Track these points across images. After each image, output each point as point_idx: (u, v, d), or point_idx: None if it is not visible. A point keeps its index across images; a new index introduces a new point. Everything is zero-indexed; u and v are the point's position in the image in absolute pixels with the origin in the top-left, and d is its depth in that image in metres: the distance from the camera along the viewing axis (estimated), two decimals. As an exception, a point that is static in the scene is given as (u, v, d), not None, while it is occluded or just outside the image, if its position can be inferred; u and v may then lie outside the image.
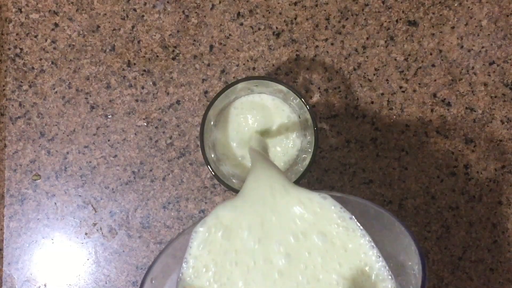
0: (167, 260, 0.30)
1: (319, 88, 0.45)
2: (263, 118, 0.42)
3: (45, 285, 0.46)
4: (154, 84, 0.46)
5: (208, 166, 0.39)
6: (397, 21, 0.45)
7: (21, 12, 0.46)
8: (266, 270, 0.28)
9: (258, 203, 0.29)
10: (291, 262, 0.28)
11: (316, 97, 0.45)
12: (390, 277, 0.27)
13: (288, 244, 0.28)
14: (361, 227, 0.28)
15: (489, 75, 0.45)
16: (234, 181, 0.40)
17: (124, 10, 0.46)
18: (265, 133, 0.42)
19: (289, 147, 0.42)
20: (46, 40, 0.46)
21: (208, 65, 0.45)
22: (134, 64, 0.46)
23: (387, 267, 0.27)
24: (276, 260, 0.28)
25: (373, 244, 0.28)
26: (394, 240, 0.28)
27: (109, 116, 0.46)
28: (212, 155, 0.41)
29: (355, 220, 0.28)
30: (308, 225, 0.28)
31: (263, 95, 0.42)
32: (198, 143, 0.45)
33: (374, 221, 0.29)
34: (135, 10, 0.46)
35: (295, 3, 0.45)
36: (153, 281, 0.29)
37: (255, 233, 0.29)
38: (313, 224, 0.28)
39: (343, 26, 0.45)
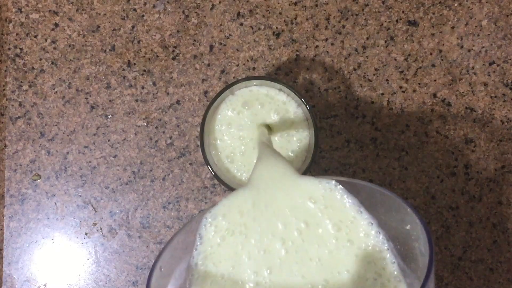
0: (176, 249, 0.31)
1: (319, 88, 0.45)
2: (260, 110, 0.41)
3: (45, 285, 0.46)
4: (154, 84, 0.46)
5: (208, 166, 0.39)
6: (397, 21, 0.45)
7: (21, 12, 0.46)
8: (275, 249, 0.31)
9: (267, 190, 0.31)
10: (299, 241, 0.30)
11: (316, 97, 0.45)
12: (387, 248, 0.30)
13: (296, 225, 0.31)
14: (360, 206, 0.30)
15: (489, 75, 0.45)
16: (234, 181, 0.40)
17: (124, 10, 0.46)
18: (269, 127, 0.41)
19: (295, 144, 0.41)
20: (46, 40, 0.46)
21: (208, 65, 0.45)
22: (134, 64, 0.46)
23: (386, 244, 0.30)
24: (283, 239, 0.31)
25: (371, 221, 0.30)
26: (401, 221, 0.29)
27: (109, 116, 0.46)
28: (213, 153, 0.41)
29: (349, 198, 0.30)
30: (314, 208, 0.31)
31: (263, 87, 0.41)
32: (198, 143, 0.45)
33: (380, 203, 0.30)
34: (135, 10, 0.46)
35: (295, 3, 0.45)
36: (162, 269, 0.30)
37: (264, 217, 0.31)
38: (318, 207, 0.31)
39: (343, 26, 0.45)
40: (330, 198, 0.31)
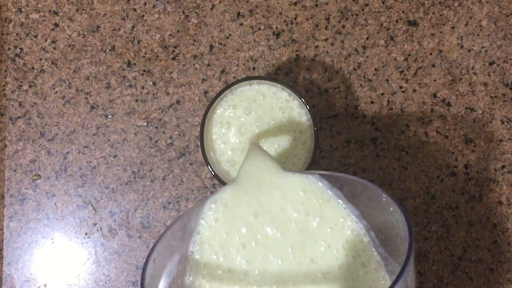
0: (168, 242, 0.32)
1: (319, 88, 0.45)
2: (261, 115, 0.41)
3: (45, 285, 0.46)
4: (154, 84, 0.46)
5: (208, 166, 0.39)
6: (397, 21, 0.45)
7: (21, 12, 0.46)
8: (264, 238, 0.33)
9: (254, 185, 0.33)
10: (283, 230, 0.33)
11: (316, 97, 0.45)
12: (364, 233, 0.32)
13: (280, 216, 0.33)
14: (341, 198, 0.33)
15: (489, 75, 0.45)
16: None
17: (124, 10, 0.46)
18: (267, 133, 0.41)
19: (300, 145, 0.41)
20: (46, 40, 0.46)
21: (208, 65, 0.45)
22: (134, 64, 0.46)
23: (366, 232, 0.32)
24: (271, 229, 0.33)
25: (352, 212, 0.32)
26: (381, 210, 0.31)
27: (109, 116, 0.46)
28: (212, 155, 0.41)
29: (330, 191, 0.33)
30: (296, 201, 0.33)
31: (263, 85, 0.40)
32: (198, 143, 0.45)
33: (362, 195, 0.32)
34: (135, 10, 0.46)
35: (295, 3, 0.45)
36: (156, 262, 0.30)
37: (253, 211, 0.33)
38: (299, 200, 0.33)
39: (343, 26, 0.45)
40: (311, 191, 0.33)
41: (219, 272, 0.32)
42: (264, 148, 0.37)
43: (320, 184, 0.33)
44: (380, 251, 0.31)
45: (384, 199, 0.30)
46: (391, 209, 0.29)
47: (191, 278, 0.32)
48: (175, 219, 0.34)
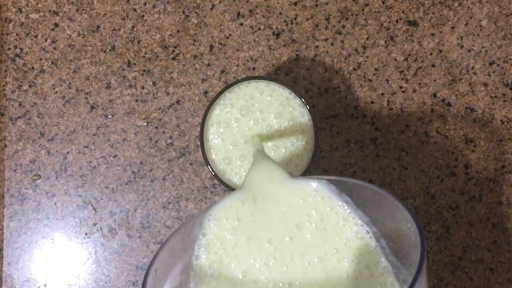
0: (170, 251, 0.32)
1: (319, 88, 0.45)
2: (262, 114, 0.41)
3: (45, 285, 0.46)
4: (154, 84, 0.46)
5: (208, 166, 0.39)
6: (397, 21, 0.45)
7: (21, 12, 0.46)
8: (269, 243, 0.32)
9: (261, 192, 0.33)
10: (289, 234, 0.32)
11: (316, 97, 0.45)
12: (370, 236, 0.31)
13: (285, 221, 0.32)
14: (349, 204, 0.32)
15: (489, 75, 0.45)
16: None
17: (124, 10, 0.46)
18: (271, 136, 0.41)
19: (301, 146, 0.40)
20: (46, 40, 0.46)
21: (208, 65, 0.45)
22: (134, 64, 0.46)
23: (375, 240, 0.31)
24: (278, 235, 0.33)
25: (361, 219, 0.32)
26: (392, 218, 0.30)
27: (109, 116, 0.46)
28: (211, 154, 0.41)
29: (338, 198, 0.32)
30: (304, 208, 0.33)
31: (261, 83, 0.40)
32: (198, 143, 0.45)
33: (372, 201, 0.31)
34: (135, 10, 0.46)
35: (295, 3, 0.45)
36: (157, 272, 0.30)
37: (258, 218, 0.33)
38: (307, 207, 0.32)
39: (343, 26, 0.45)
40: (318, 197, 0.32)
41: (225, 274, 0.32)
42: (267, 151, 0.36)
43: (327, 189, 0.32)
44: (391, 259, 0.31)
45: (394, 205, 0.29)
46: (401, 215, 0.29)
47: (193, 284, 0.32)
48: (178, 227, 0.34)
